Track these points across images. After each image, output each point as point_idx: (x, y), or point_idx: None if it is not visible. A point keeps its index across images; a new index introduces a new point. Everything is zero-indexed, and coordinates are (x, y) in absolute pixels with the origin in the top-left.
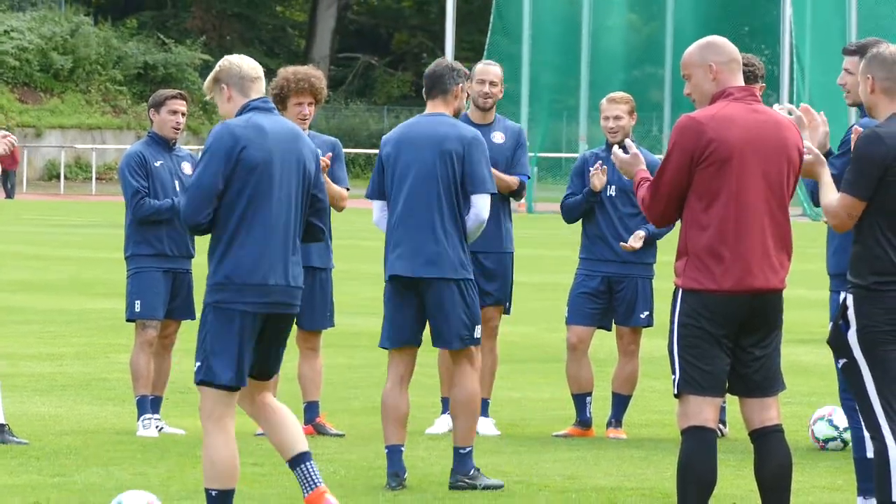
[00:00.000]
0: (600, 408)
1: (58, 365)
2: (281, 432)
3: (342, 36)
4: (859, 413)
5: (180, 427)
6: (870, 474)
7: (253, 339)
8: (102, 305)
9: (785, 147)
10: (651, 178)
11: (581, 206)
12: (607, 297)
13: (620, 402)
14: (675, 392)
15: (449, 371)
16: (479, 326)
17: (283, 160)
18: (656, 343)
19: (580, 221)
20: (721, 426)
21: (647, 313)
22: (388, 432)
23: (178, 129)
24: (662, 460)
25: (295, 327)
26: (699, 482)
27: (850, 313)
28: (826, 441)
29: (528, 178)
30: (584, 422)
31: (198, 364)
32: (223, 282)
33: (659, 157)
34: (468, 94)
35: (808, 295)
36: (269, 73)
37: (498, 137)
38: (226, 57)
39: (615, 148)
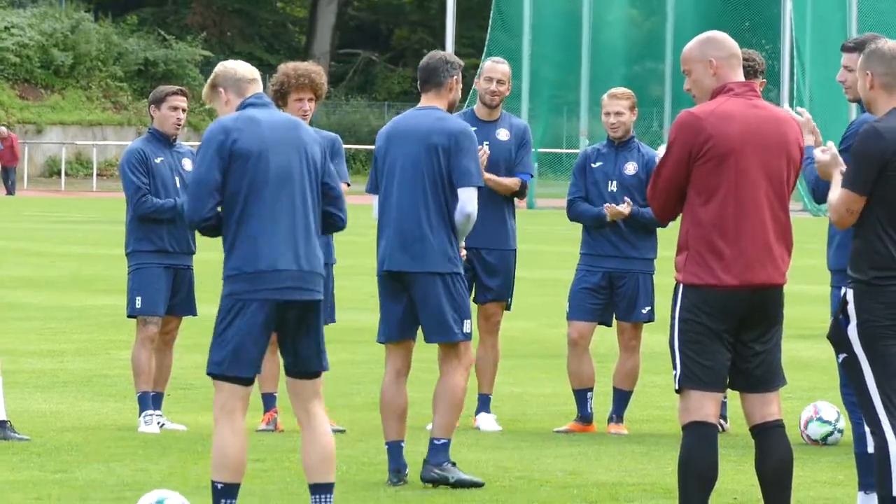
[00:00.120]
0: (601, 403)
1: (59, 361)
2: (308, 455)
3: (343, 32)
4: (860, 408)
5: (182, 423)
6: (871, 469)
7: (267, 331)
8: (103, 302)
9: (785, 142)
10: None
11: (590, 221)
12: (608, 293)
13: (621, 398)
14: (676, 387)
15: None
16: (469, 321)
17: (281, 148)
18: (657, 338)
19: None
20: (722, 421)
21: (648, 308)
22: (387, 428)
23: (179, 126)
24: (664, 456)
25: None
26: (700, 477)
27: (851, 308)
28: (824, 438)
29: (531, 176)
30: (585, 417)
31: (210, 356)
32: (234, 273)
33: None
34: (478, 91)
35: (808, 290)
36: (270, 69)
37: (503, 135)
38: (221, 63)
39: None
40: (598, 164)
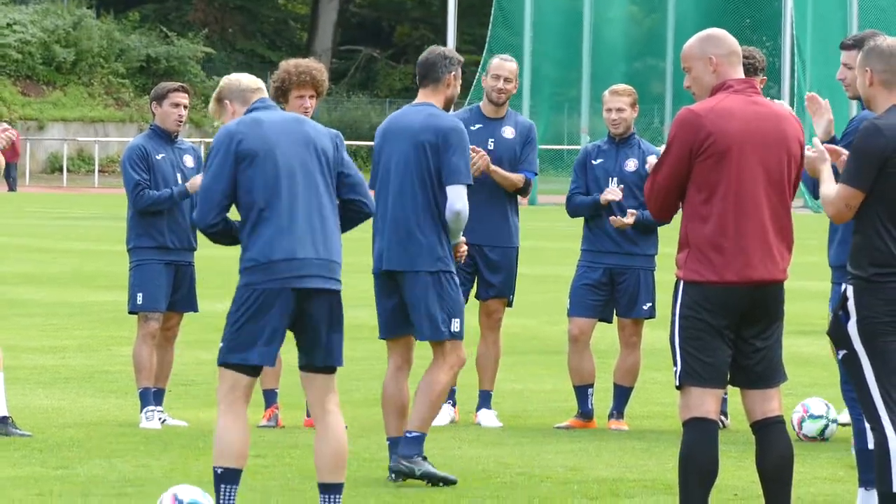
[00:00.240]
0: (602, 399)
1: (60, 357)
2: (319, 454)
3: (344, 29)
4: (860, 404)
5: (183, 419)
6: (871, 465)
7: (281, 321)
8: (105, 298)
9: (785, 139)
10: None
11: (586, 212)
12: (609, 289)
13: (622, 394)
14: (677, 384)
15: None
16: (458, 320)
17: (287, 144)
18: (658, 335)
19: None
20: (723, 417)
21: (649, 305)
22: (388, 424)
23: (181, 122)
24: (664, 452)
25: None
26: (701, 473)
27: (850, 304)
28: (821, 433)
29: (536, 174)
30: (585, 413)
31: (220, 346)
32: (250, 265)
33: (660, 148)
34: (484, 88)
35: (809, 286)
36: (271, 66)
37: (508, 132)
38: (224, 77)
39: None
40: (599, 160)
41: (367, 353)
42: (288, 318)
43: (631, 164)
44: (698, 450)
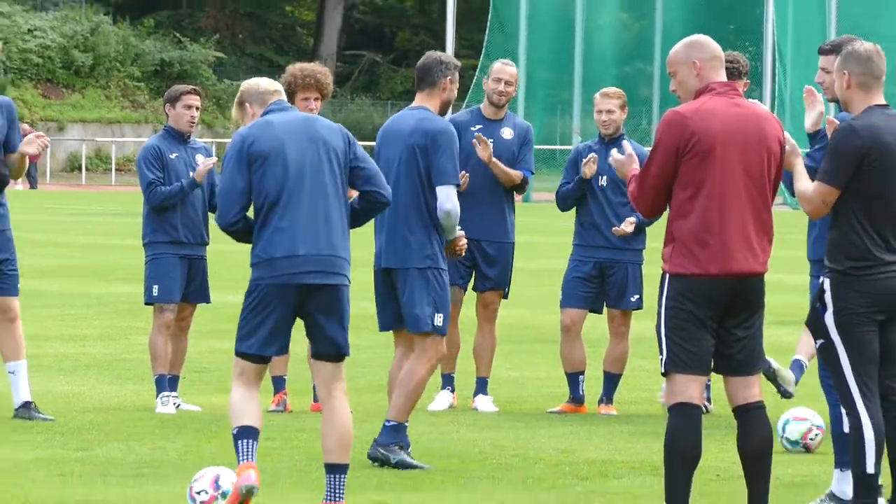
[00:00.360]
0: (592, 386)
1: (81, 346)
2: (325, 436)
3: (348, 34)
4: (836, 391)
5: (196, 404)
6: (846, 448)
7: (284, 313)
8: (122, 290)
9: (765, 138)
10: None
11: (574, 194)
12: (599, 282)
13: (611, 381)
14: (663, 371)
15: (448, 348)
16: (442, 315)
17: (297, 144)
18: (645, 325)
19: (574, 210)
20: (706, 403)
21: (636, 297)
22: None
23: (193, 123)
24: (650, 435)
25: None
26: (685, 455)
27: (828, 296)
28: (810, 434)
29: (532, 173)
30: (577, 399)
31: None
32: (256, 261)
33: (648, 149)
34: (485, 90)
35: (788, 279)
36: (279, 70)
37: (507, 133)
38: (244, 81)
39: (614, 151)
40: None
41: (371, 341)
42: (291, 312)
43: None
44: (683, 433)
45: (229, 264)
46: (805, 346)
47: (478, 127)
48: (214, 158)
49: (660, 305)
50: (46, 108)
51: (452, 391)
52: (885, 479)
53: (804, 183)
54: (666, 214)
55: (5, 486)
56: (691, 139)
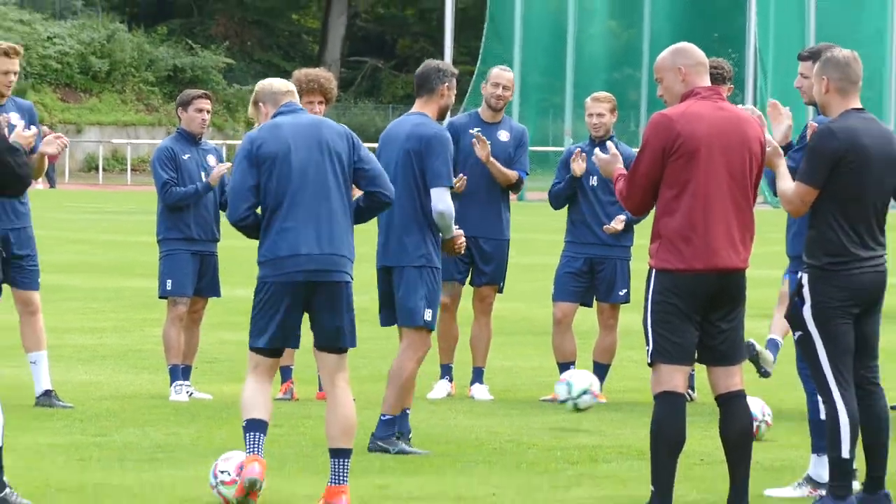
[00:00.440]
0: None
1: (98, 338)
2: (329, 423)
3: (352, 41)
4: (813, 380)
5: (208, 393)
6: (823, 433)
7: (289, 309)
8: (138, 284)
9: (747, 140)
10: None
11: (565, 192)
12: (589, 277)
13: (600, 370)
14: (649, 361)
15: (446, 339)
16: (431, 311)
17: (303, 146)
18: (633, 317)
19: (566, 208)
20: (690, 391)
21: (625, 291)
22: None
23: (204, 126)
24: (638, 422)
25: None
26: (670, 441)
27: (806, 291)
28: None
29: (527, 174)
30: None
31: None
32: (262, 260)
33: (636, 150)
34: (484, 94)
35: (768, 274)
36: (286, 75)
37: (503, 136)
38: (259, 82)
39: (597, 150)
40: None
41: (372, 333)
42: (296, 308)
43: None
44: (668, 420)
45: (239, 260)
46: (778, 325)
47: (476, 129)
48: (228, 164)
49: (646, 299)
50: (65, 111)
51: (451, 380)
52: (859, 464)
53: (787, 183)
54: (653, 212)
55: (27, 470)
56: (677, 140)
